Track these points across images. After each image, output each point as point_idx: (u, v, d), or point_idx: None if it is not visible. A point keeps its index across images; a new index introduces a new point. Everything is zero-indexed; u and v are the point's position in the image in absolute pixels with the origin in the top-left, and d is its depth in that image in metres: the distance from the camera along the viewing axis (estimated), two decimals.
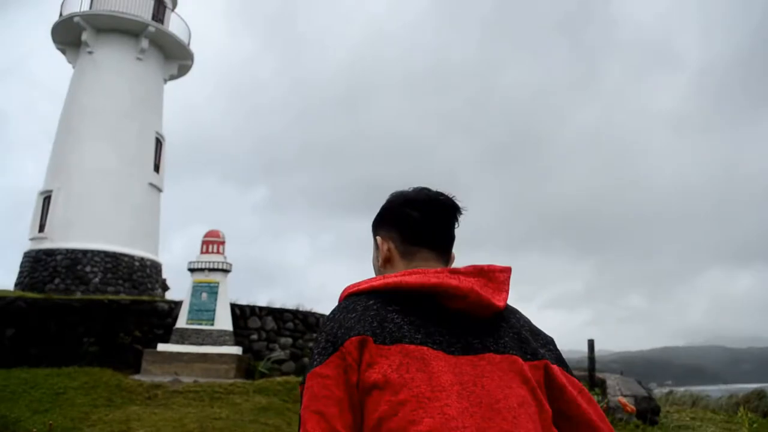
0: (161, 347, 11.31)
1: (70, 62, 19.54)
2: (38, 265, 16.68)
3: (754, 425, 8.50)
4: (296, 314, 13.17)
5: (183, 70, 20.89)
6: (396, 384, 1.12)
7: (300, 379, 1.19)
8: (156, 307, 12.47)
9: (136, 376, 10.22)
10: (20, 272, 17.26)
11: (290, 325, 12.93)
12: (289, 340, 12.72)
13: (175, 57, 20.18)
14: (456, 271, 1.28)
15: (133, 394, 9.00)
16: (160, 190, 19.22)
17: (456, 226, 1.40)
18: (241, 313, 12.59)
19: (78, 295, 14.10)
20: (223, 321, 11.75)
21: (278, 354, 12.31)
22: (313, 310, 13.59)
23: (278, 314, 12.97)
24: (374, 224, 1.45)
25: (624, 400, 8.76)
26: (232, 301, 12.47)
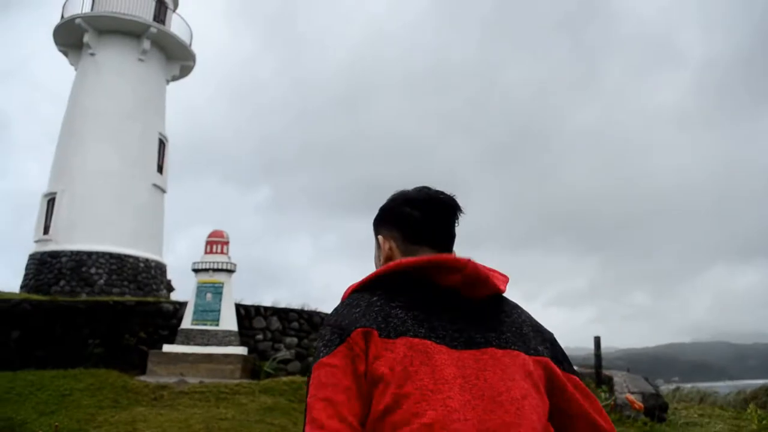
0: (166, 348, 11.30)
1: (72, 64, 19.56)
2: (43, 267, 16.71)
3: (764, 422, 8.45)
4: (301, 314, 13.14)
5: (185, 70, 20.89)
6: (400, 377, 1.13)
7: (306, 379, 1.17)
8: (161, 308, 12.47)
9: (142, 377, 10.22)
10: (25, 274, 17.30)
11: (295, 324, 12.91)
12: (295, 340, 12.70)
13: (177, 58, 20.17)
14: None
15: (138, 395, 9.00)
16: (163, 191, 19.23)
17: (456, 224, 1.42)
18: (245, 314, 12.57)
19: (83, 297, 14.12)
20: (228, 321, 11.73)
21: (283, 354, 12.29)
22: (318, 310, 13.57)
23: (283, 314, 12.95)
24: (375, 223, 1.47)
25: (632, 397, 8.71)
26: (237, 302, 12.46)
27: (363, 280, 1.32)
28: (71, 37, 18.86)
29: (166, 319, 12.22)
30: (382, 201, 1.49)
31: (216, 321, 11.62)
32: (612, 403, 9.59)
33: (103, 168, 17.28)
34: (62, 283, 16.29)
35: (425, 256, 1.28)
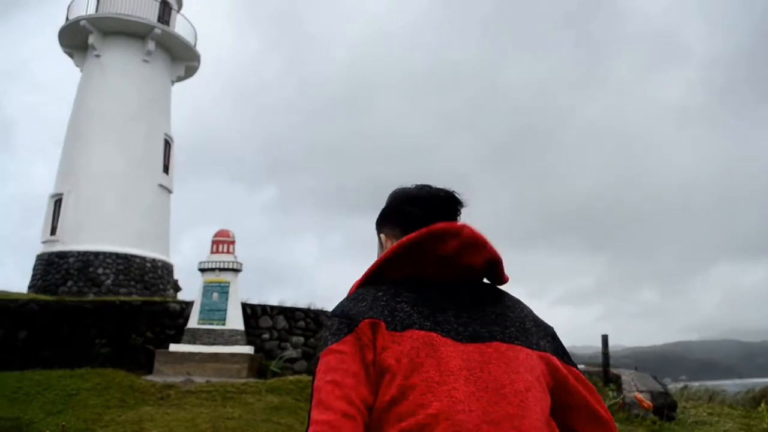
0: (173, 347, 11.31)
1: (77, 66, 19.63)
2: (51, 268, 16.78)
3: None
4: (308, 313, 13.14)
5: (190, 71, 20.93)
6: (407, 368, 1.14)
7: (312, 373, 1.19)
8: (167, 308, 12.48)
9: (149, 377, 10.23)
10: (33, 275, 17.38)
11: (302, 323, 12.90)
12: (301, 339, 12.69)
13: (182, 58, 20.21)
14: None
15: (145, 395, 9.00)
16: (169, 191, 19.27)
17: (458, 219, 1.42)
18: (252, 313, 12.57)
19: (90, 297, 14.16)
20: (235, 320, 11.73)
21: (290, 353, 12.29)
22: (325, 309, 13.56)
23: (289, 313, 12.95)
24: (378, 222, 1.49)
25: (640, 395, 8.65)
26: (243, 301, 12.46)
27: (368, 270, 1.33)
28: (76, 39, 18.92)
29: (172, 319, 12.23)
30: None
31: (222, 320, 11.62)
32: (620, 401, 9.53)
33: (108, 169, 17.33)
34: (69, 283, 16.35)
35: (422, 229, 1.29)
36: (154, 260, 17.76)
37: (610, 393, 10.23)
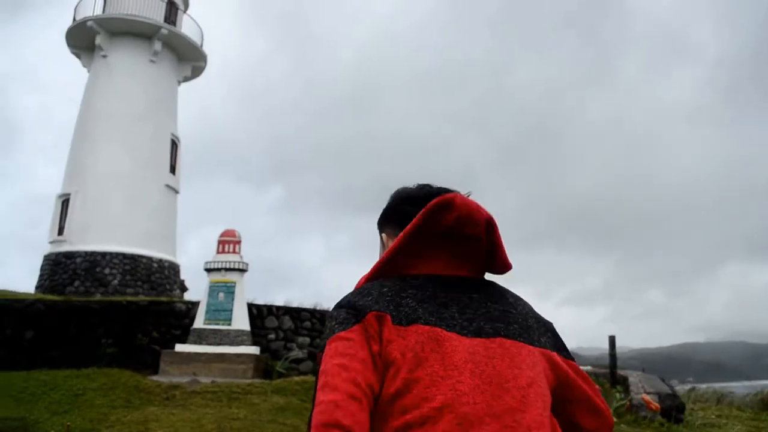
0: (179, 348, 11.32)
1: (84, 66, 19.70)
2: (58, 268, 16.83)
3: None
4: (313, 313, 13.12)
5: (196, 71, 20.97)
6: (411, 362, 1.16)
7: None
8: (173, 308, 12.49)
9: (155, 377, 10.23)
10: (40, 275, 17.44)
11: (308, 324, 12.89)
12: (307, 340, 12.67)
13: (189, 59, 20.25)
14: None
15: (151, 395, 9.00)
16: (176, 191, 19.30)
17: None
18: (258, 313, 12.56)
19: (97, 297, 14.20)
20: (241, 321, 11.73)
21: (296, 353, 12.27)
22: (331, 310, 13.54)
23: (295, 313, 12.93)
24: (379, 222, 1.51)
25: (648, 397, 8.59)
26: (249, 301, 12.45)
27: (377, 264, 1.35)
28: (83, 40, 18.99)
29: (178, 319, 12.24)
30: None
31: (228, 320, 11.62)
32: (628, 403, 9.47)
33: (115, 169, 17.38)
34: (77, 283, 16.40)
35: (420, 212, 1.31)
36: (160, 260, 17.80)
37: (618, 394, 10.15)
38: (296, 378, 10.54)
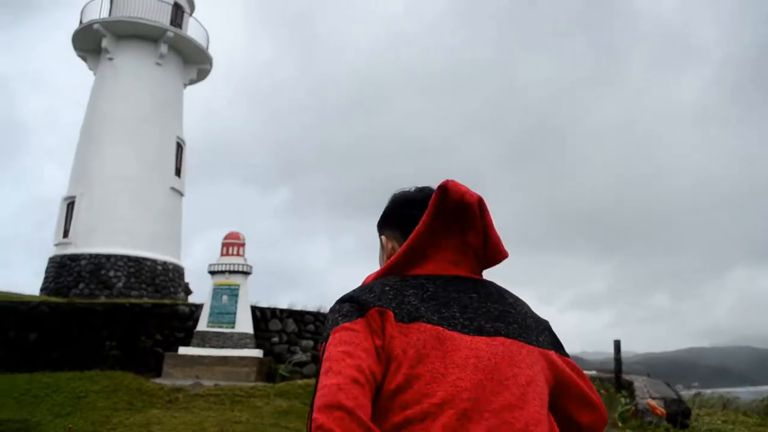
0: (182, 350, 11.30)
1: (90, 69, 19.77)
2: (63, 270, 16.86)
3: None
4: (317, 316, 13.09)
5: (202, 74, 21.02)
6: (413, 358, 1.18)
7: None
8: (177, 311, 12.48)
9: (157, 380, 10.22)
10: (45, 277, 17.48)
11: (311, 327, 12.86)
12: (311, 343, 12.64)
13: (194, 61, 20.30)
14: None
15: (153, 398, 8.99)
16: (181, 194, 19.33)
17: None
18: (261, 316, 12.54)
19: (102, 300, 14.21)
20: (244, 324, 11.71)
21: (299, 357, 12.24)
22: None
23: (299, 316, 12.91)
24: (379, 224, 1.54)
25: (653, 402, 8.52)
26: (253, 304, 12.43)
27: (389, 263, 1.37)
28: (90, 42, 19.06)
29: (182, 322, 12.23)
30: None
31: (232, 323, 11.60)
32: (633, 408, 9.39)
33: (121, 172, 17.41)
34: (81, 285, 16.42)
35: (423, 216, 1.35)
36: (165, 263, 17.81)
37: (623, 399, 10.08)
38: (299, 381, 10.51)
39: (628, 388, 11.07)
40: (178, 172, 19.11)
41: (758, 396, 15.96)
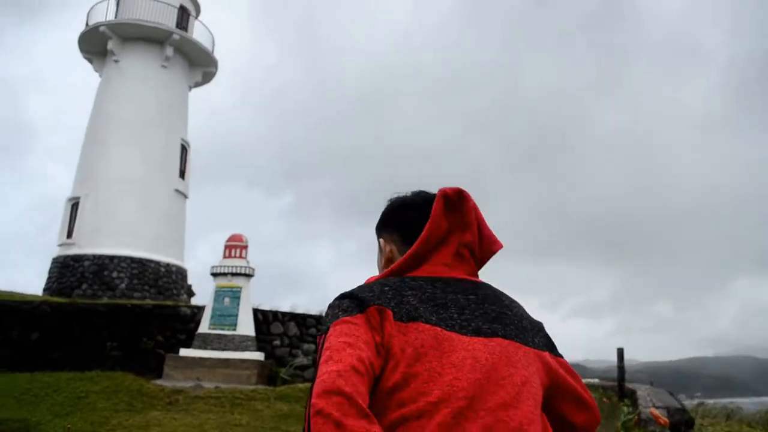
0: (183, 352, 11.28)
1: (96, 71, 19.84)
2: (66, 271, 16.88)
3: None
4: (319, 320, 13.06)
5: (207, 77, 21.08)
6: (410, 357, 1.20)
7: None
8: (179, 312, 12.47)
9: (158, 381, 10.19)
10: (49, 277, 17.51)
11: (313, 330, 12.83)
12: (312, 347, 12.60)
13: (200, 64, 20.36)
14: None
15: (154, 399, 8.96)
16: (185, 196, 19.35)
17: None
18: (263, 319, 12.52)
19: (104, 300, 14.20)
20: (246, 326, 11.68)
21: (301, 360, 12.20)
22: None
23: (301, 320, 12.88)
24: (377, 228, 1.56)
25: (656, 411, 8.45)
26: (255, 306, 12.40)
27: (383, 274, 1.40)
28: (96, 44, 19.14)
29: (183, 323, 12.21)
30: None
31: (233, 326, 11.57)
32: (636, 417, 9.33)
33: (126, 173, 17.44)
34: (84, 286, 16.43)
35: (426, 227, 1.38)
36: (168, 265, 17.81)
37: (626, 408, 10.01)
38: (300, 385, 10.47)
39: (631, 396, 11.01)
40: (182, 175, 19.15)
41: (762, 407, 15.84)
